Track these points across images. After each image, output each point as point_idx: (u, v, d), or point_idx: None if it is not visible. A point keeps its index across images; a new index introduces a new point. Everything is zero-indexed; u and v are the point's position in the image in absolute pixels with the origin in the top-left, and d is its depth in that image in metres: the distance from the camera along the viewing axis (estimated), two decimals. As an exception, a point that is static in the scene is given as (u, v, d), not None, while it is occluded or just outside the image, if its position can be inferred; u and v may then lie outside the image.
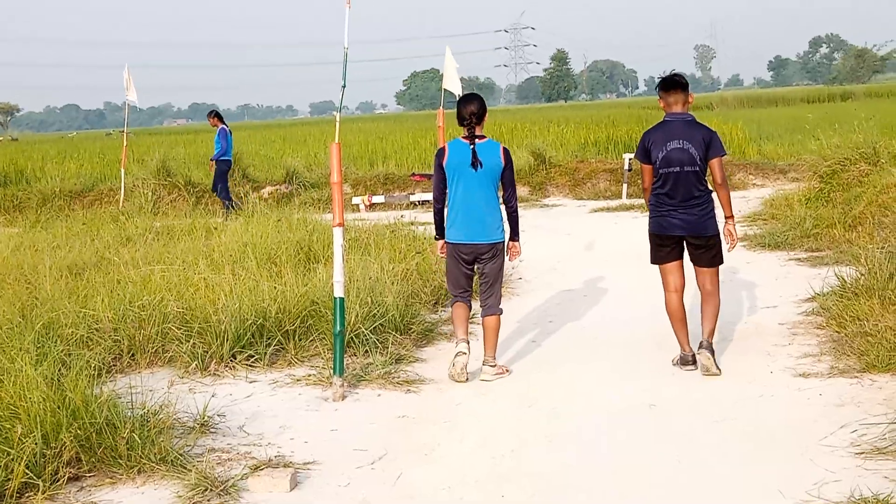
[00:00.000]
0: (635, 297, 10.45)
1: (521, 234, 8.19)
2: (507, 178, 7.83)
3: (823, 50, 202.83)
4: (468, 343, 7.87)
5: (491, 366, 7.89)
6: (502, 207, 7.90)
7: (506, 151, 7.85)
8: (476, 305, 8.35)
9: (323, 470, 5.93)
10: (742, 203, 18.67)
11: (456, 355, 7.80)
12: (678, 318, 7.91)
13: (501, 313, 8.00)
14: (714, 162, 7.60)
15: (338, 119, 7.87)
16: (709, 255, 7.80)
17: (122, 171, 21.83)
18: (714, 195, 7.76)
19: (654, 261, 7.98)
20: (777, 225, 14.59)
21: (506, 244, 8.00)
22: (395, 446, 6.30)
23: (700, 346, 7.68)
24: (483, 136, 7.81)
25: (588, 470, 5.77)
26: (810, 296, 9.64)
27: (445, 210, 7.87)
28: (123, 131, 22.37)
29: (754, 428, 6.32)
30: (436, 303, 10.35)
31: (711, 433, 6.28)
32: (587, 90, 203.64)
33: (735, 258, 12.55)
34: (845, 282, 9.26)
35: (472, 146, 7.70)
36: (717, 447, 6.03)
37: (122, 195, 20.79)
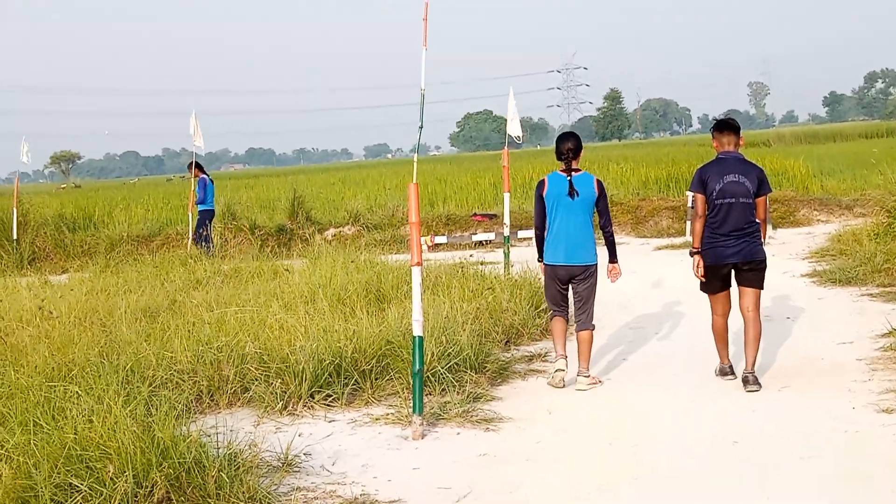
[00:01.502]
0: (707, 332, 10.40)
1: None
2: (602, 206, 8.78)
3: (879, 85, 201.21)
4: (566, 359, 8.82)
5: (585, 376, 8.70)
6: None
7: (599, 183, 8.80)
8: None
9: (409, 508, 5.95)
10: (808, 239, 18.53)
11: (556, 371, 8.78)
12: (722, 338, 8.76)
13: (594, 329, 8.87)
14: (762, 199, 8.45)
15: (415, 160, 7.96)
16: (757, 277, 8.49)
17: (189, 215, 22.09)
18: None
19: (705, 289, 8.73)
20: (846, 261, 14.42)
21: (597, 266, 8.78)
22: (479, 485, 6.30)
23: (745, 382, 8.30)
24: (579, 170, 8.76)
25: (676, 507, 5.74)
26: (887, 331, 9.53)
27: (546, 235, 8.81)
28: (189, 177, 22.67)
29: (842, 465, 6.25)
30: (507, 342, 10.37)
31: (798, 471, 6.22)
32: (641, 129, 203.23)
33: (807, 295, 12.51)
34: (924, 316, 9.15)
35: (569, 178, 8.67)
36: (806, 485, 5.96)
37: (190, 239, 21.02)
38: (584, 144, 9.05)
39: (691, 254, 8.64)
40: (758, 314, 8.51)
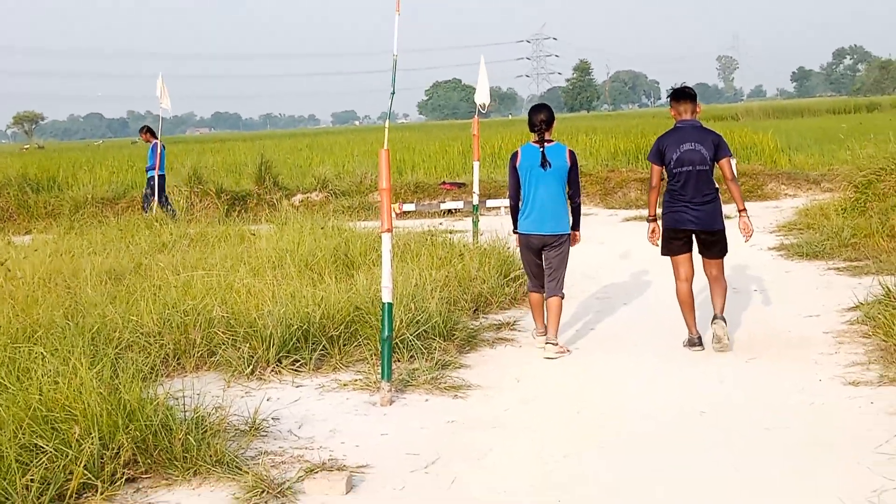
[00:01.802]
0: (674, 303, 10.46)
1: None
2: (573, 177, 8.90)
3: (847, 61, 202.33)
4: (546, 334, 8.90)
5: (553, 344, 8.76)
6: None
7: (572, 153, 8.93)
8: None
9: (376, 473, 5.94)
10: (775, 213, 18.62)
11: (544, 347, 8.82)
12: (688, 305, 8.80)
13: (563, 297, 8.92)
14: (724, 161, 8.62)
15: (387, 126, 7.88)
16: (717, 247, 8.71)
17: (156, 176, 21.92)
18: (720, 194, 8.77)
19: (665, 253, 8.87)
20: (814, 235, 14.51)
21: (569, 236, 8.94)
22: (447, 451, 6.30)
23: (714, 319, 8.61)
24: (552, 140, 8.88)
25: (643, 478, 5.74)
26: (854, 305, 9.60)
27: (520, 205, 8.96)
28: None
29: (808, 436, 6.29)
30: (476, 310, 10.36)
31: (765, 441, 6.25)
32: (609, 101, 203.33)
33: (774, 268, 12.58)
34: (890, 290, 9.21)
35: (541, 149, 8.79)
36: (773, 455, 5.99)
37: (156, 202, 20.87)
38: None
39: (647, 220, 8.99)
40: (722, 276, 8.79)
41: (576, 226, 9.04)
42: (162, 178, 20.46)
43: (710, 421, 6.72)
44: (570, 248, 9.01)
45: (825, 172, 22.10)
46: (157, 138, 20.49)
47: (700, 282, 9.06)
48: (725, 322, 8.60)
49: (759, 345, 8.74)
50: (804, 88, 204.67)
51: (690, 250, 8.77)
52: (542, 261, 8.97)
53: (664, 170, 8.70)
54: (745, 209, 8.68)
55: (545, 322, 8.98)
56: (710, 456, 6.03)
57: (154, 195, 20.02)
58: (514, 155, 8.99)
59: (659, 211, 8.89)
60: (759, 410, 6.87)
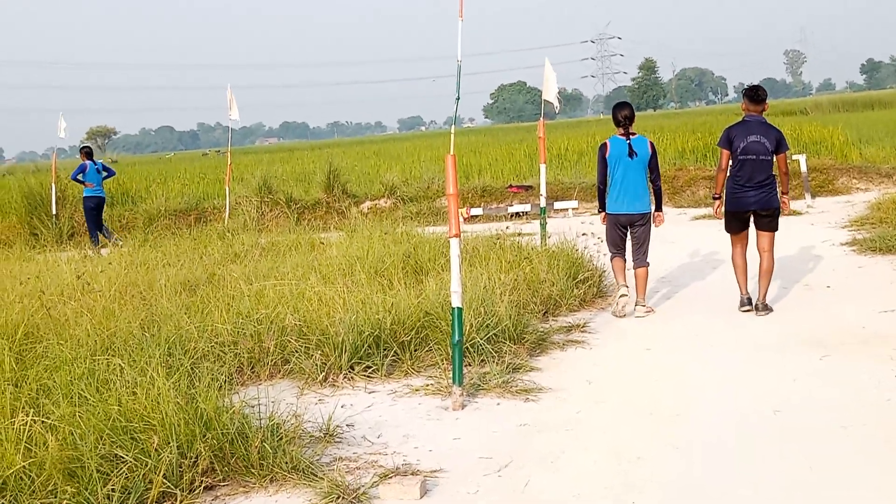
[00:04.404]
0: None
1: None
2: (654, 164, 10.43)
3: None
4: (628, 287, 10.41)
5: (642, 305, 10.39)
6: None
7: (652, 144, 10.47)
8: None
9: (450, 478, 5.97)
10: (847, 208, 18.38)
11: (620, 296, 10.37)
12: (741, 269, 10.35)
13: (649, 265, 10.55)
14: (781, 156, 10.05)
15: (452, 131, 7.92)
16: (771, 223, 10.13)
17: (227, 189, 22.22)
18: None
19: (728, 230, 10.36)
20: (886, 229, 14.28)
21: (651, 214, 10.50)
22: (520, 454, 6.32)
23: (756, 309, 10.02)
24: (635, 133, 10.40)
25: (718, 478, 5.72)
26: (930, 299, 9.45)
27: (608, 189, 10.41)
28: (224, 151, 22.84)
29: (885, 433, 6.21)
30: (545, 313, 10.37)
31: (841, 439, 6.18)
32: (676, 98, 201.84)
33: (846, 263, 12.43)
34: (967, 284, 9.06)
35: (628, 140, 10.28)
36: (849, 454, 5.93)
37: (227, 213, 21.16)
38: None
39: (713, 198, 10.51)
40: (772, 253, 10.16)
41: (658, 207, 10.58)
42: (98, 199, 20.54)
43: (785, 420, 6.66)
44: (657, 226, 10.58)
45: (897, 165, 21.74)
46: (92, 159, 20.68)
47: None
48: (767, 309, 10.03)
49: (832, 341, 8.64)
50: (874, 80, 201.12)
51: (747, 228, 10.27)
52: (628, 236, 10.51)
53: (731, 156, 10.04)
54: (787, 193, 10.30)
55: (625, 279, 10.41)
56: (785, 456, 5.98)
57: (88, 218, 20.23)
58: (603, 146, 10.43)
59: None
60: (834, 408, 6.80)
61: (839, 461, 5.81)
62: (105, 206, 21.32)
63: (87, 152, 20.98)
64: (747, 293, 10.23)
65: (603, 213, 10.62)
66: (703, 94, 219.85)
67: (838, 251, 13.59)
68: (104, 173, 20.60)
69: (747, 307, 10.11)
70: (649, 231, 10.50)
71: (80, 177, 20.25)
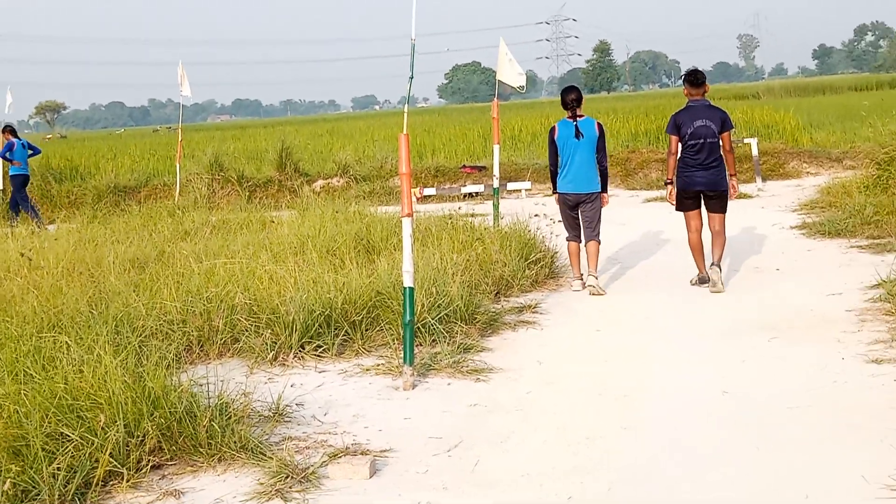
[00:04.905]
0: (699, 288, 10.48)
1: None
2: (601, 145, 10.75)
3: (869, 38, 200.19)
4: (582, 279, 10.77)
5: (594, 276, 10.63)
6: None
7: (600, 125, 10.81)
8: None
9: (400, 457, 5.97)
10: (797, 191, 18.57)
11: (574, 290, 10.72)
12: (697, 250, 10.62)
13: (600, 242, 10.80)
14: (725, 135, 10.32)
15: (406, 110, 7.88)
16: (721, 203, 10.45)
17: (178, 165, 22.00)
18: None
19: (679, 209, 10.62)
20: (836, 213, 14.42)
21: (600, 194, 10.77)
22: (470, 434, 6.32)
23: (711, 265, 10.38)
24: (582, 115, 10.74)
25: (666, 458, 5.75)
26: (876, 282, 9.55)
27: (558, 171, 10.77)
28: (176, 127, 22.59)
29: (831, 415, 6.27)
30: (497, 293, 10.37)
31: (788, 420, 6.24)
32: (630, 81, 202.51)
33: (796, 246, 12.56)
34: (914, 268, 9.16)
35: (575, 123, 10.62)
36: (795, 434, 5.98)
37: (178, 190, 20.95)
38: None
39: (665, 183, 10.76)
40: (723, 231, 10.51)
41: (604, 188, 10.85)
42: (23, 177, 20.27)
43: (732, 400, 6.71)
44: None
45: (847, 150, 21.96)
46: (17, 137, 20.32)
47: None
48: (721, 269, 10.37)
49: (781, 324, 8.71)
50: (826, 66, 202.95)
51: (699, 207, 10.53)
52: (578, 215, 10.77)
53: (680, 141, 10.34)
54: (735, 174, 10.49)
55: (580, 269, 10.80)
56: (732, 436, 6.03)
57: (17, 195, 19.93)
58: (553, 129, 10.85)
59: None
60: (781, 390, 6.86)
61: (786, 442, 5.86)
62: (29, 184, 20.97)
63: (11, 130, 20.56)
64: (705, 271, 10.54)
65: (555, 194, 10.95)
66: (657, 77, 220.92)
67: (788, 234, 13.72)
68: (29, 151, 20.26)
69: (706, 284, 10.45)
70: (599, 210, 10.78)
71: (7, 155, 19.90)
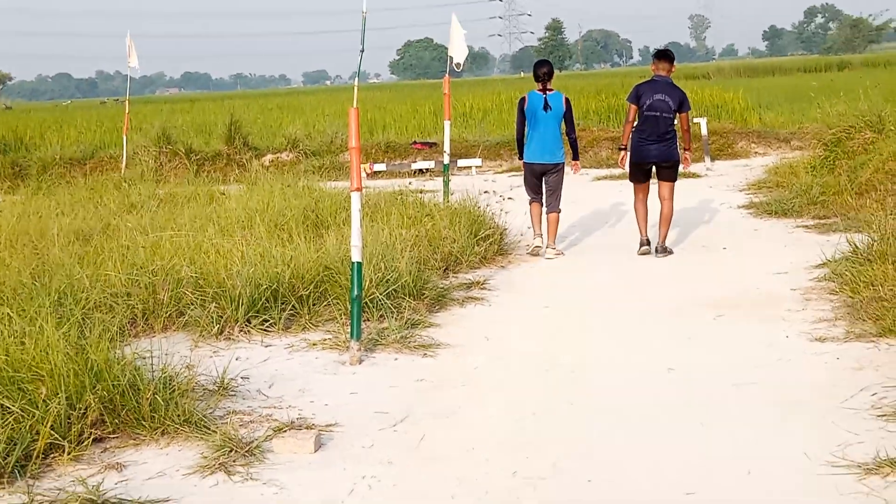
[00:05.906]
0: (646, 271, 10.54)
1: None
2: (569, 118, 11.34)
3: (818, 20, 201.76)
4: (542, 236, 11.43)
5: (552, 248, 11.29)
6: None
7: (567, 100, 11.41)
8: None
9: (345, 432, 5.94)
10: (745, 171, 18.71)
11: (534, 246, 11.41)
12: (642, 215, 11.22)
13: (560, 212, 11.43)
14: (684, 115, 11.07)
15: (356, 85, 7.81)
16: (671, 172, 11.15)
17: (125, 138, 21.73)
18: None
19: (632, 180, 11.38)
20: (783, 192, 14.57)
21: (564, 165, 11.41)
22: (416, 409, 6.31)
23: (656, 251, 11.00)
24: (552, 89, 11.25)
25: (611, 434, 5.78)
26: (821, 262, 9.64)
27: (525, 140, 11.34)
28: (123, 100, 22.28)
29: (775, 392, 6.33)
30: (446, 269, 10.35)
31: (732, 397, 6.30)
32: (582, 60, 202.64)
33: (743, 226, 12.68)
34: (857, 248, 9.26)
35: (544, 95, 11.17)
36: (740, 411, 6.04)
37: (125, 162, 20.68)
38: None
39: (619, 149, 11.37)
40: (671, 200, 11.09)
41: (575, 156, 11.77)
42: None
43: (678, 377, 6.76)
44: (575, 173, 12.03)
45: (795, 131, 22.13)
46: None
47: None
48: (666, 251, 11.05)
49: (727, 302, 8.78)
50: (776, 47, 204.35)
51: (649, 179, 11.24)
52: (542, 184, 11.36)
53: (637, 111, 10.94)
54: (689, 149, 11.32)
55: (541, 228, 11.41)
56: (677, 412, 6.07)
57: None
58: (522, 100, 11.40)
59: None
60: (726, 367, 6.92)
61: (729, 418, 5.91)
62: None
63: None
64: (646, 236, 11.13)
65: (521, 161, 11.61)
66: (609, 57, 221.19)
67: (736, 214, 13.83)
68: None
69: (646, 247, 11.07)
70: (561, 180, 11.40)
71: None
